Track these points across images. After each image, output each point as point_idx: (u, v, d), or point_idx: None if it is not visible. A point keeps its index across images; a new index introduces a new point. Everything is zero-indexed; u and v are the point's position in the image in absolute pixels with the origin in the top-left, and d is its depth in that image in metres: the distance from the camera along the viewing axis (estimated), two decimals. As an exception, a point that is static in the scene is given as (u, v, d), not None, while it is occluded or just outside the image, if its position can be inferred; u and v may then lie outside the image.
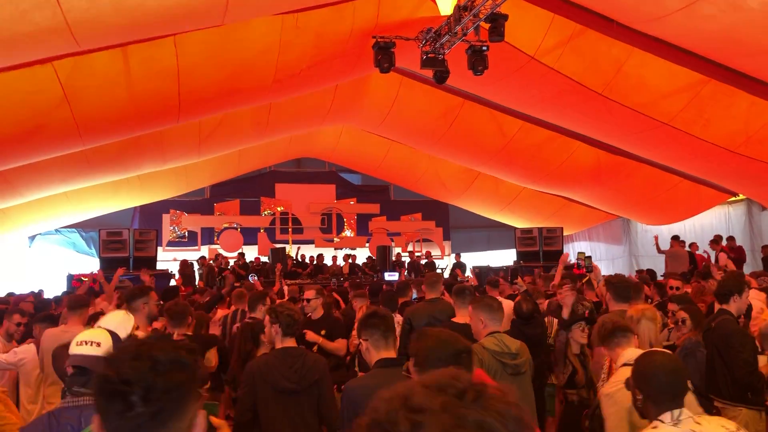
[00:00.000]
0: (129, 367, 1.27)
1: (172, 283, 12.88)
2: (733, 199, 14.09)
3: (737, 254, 12.15)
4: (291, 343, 3.75)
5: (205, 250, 17.83)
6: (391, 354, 3.01)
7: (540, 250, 15.48)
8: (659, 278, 9.85)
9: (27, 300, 8.81)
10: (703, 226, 14.81)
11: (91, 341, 2.49)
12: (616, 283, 4.87)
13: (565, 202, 17.40)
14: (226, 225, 19.09)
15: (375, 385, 2.79)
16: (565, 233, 16.57)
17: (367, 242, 20.03)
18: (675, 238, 13.43)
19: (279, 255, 15.70)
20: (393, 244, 19.47)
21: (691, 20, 7.04)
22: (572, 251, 19.41)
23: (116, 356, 1.34)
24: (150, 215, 18.14)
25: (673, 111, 9.71)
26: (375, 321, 3.04)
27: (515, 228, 17.66)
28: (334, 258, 18.11)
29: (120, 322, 3.05)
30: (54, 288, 12.84)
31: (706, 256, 12.45)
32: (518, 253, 15.98)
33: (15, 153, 8.61)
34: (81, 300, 5.19)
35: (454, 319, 4.77)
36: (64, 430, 2.32)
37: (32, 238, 17.57)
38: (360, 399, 2.77)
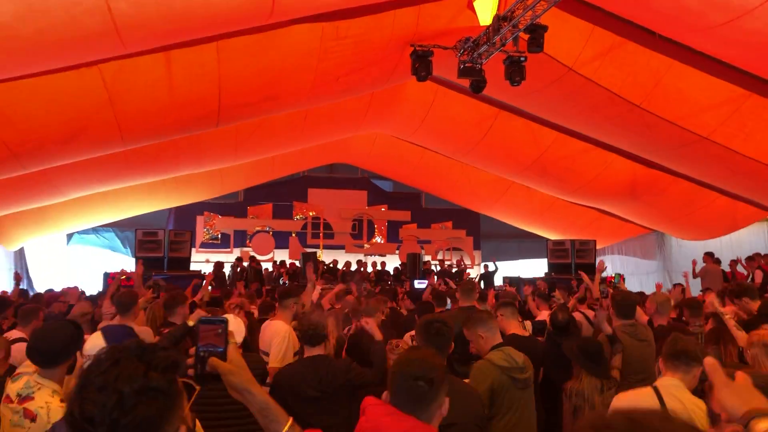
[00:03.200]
0: (93, 402, 1.20)
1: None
2: (773, 216, 13.79)
3: None
4: (318, 351, 3.82)
5: (237, 253, 18.02)
6: None
7: (572, 263, 15.30)
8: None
9: (59, 300, 8.88)
10: (741, 243, 14.49)
11: None
12: (619, 300, 4.89)
13: (597, 215, 17.19)
14: (258, 228, 19.29)
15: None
16: (597, 246, 16.37)
17: (397, 249, 20.04)
18: (709, 254, 13.17)
19: (310, 259, 15.77)
20: (423, 251, 19.44)
21: (735, 34, 6.94)
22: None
23: (84, 384, 1.24)
24: (184, 216, 18.42)
25: (713, 125, 9.55)
26: None
27: (546, 239, 17.49)
28: (360, 263, 18.09)
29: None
30: (91, 286, 13.09)
31: (746, 273, 12.20)
32: (550, 265, 15.77)
33: (59, 153, 8.78)
34: (129, 300, 5.17)
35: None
36: None
37: (69, 236, 17.95)
38: None
